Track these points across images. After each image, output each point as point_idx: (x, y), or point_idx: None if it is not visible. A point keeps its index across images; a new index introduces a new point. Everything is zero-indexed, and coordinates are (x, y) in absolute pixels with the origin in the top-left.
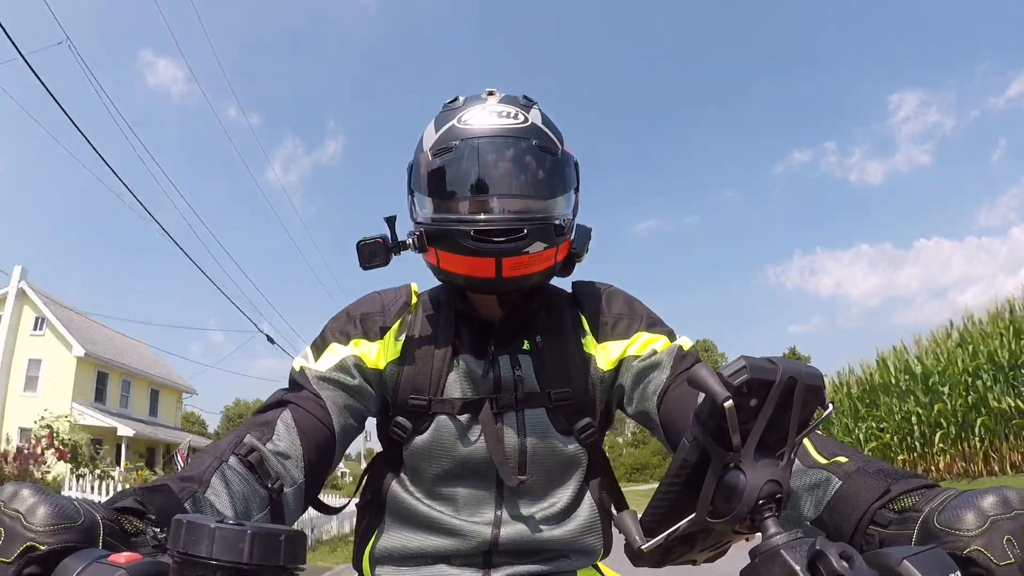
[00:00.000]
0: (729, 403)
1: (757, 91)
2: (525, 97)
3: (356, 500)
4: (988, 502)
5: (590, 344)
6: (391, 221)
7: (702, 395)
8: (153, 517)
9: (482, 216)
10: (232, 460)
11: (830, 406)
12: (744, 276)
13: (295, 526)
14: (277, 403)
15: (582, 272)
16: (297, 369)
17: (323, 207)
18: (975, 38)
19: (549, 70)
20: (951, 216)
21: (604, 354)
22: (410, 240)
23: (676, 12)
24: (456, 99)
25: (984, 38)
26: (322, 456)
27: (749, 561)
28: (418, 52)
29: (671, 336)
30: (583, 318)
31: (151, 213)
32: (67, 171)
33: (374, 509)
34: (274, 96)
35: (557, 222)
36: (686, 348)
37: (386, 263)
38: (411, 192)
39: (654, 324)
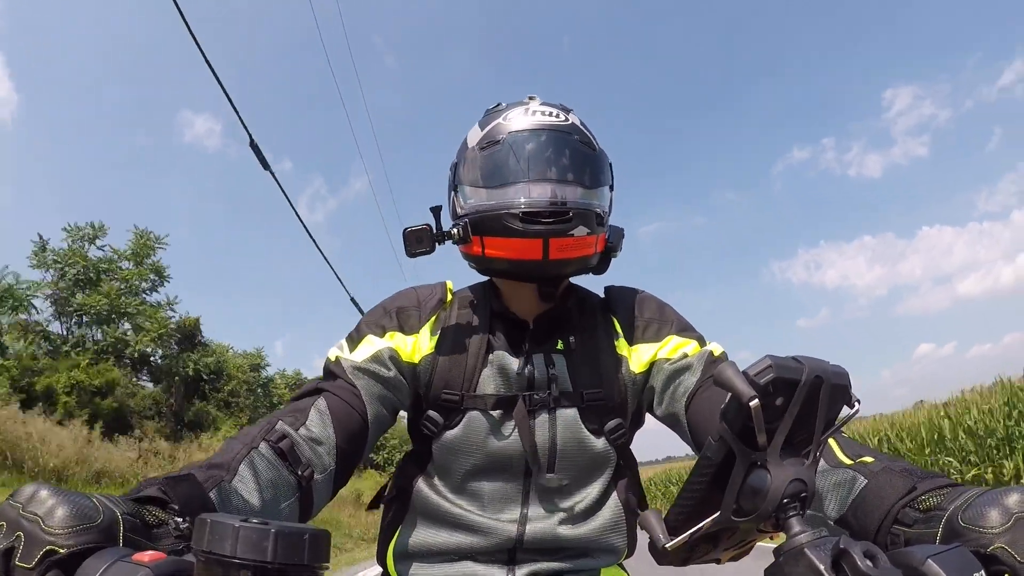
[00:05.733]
0: (755, 402)
1: (754, 93)
2: (562, 105)
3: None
4: (1012, 500)
5: (622, 346)
6: (437, 211)
7: (728, 395)
8: (176, 507)
9: (531, 198)
10: (262, 447)
11: (856, 405)
12: (751, 273)
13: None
14: (312, 391)
15: (609, 276)
16: (332, 359)
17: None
18: (966, 31)
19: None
20: (952, 204)
21: (636, 356)
22: (455, 230)
23: (675, 23)
24: (499, 104)
25: (975, 30)
26: (354, 444)
27: (773, 560)
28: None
29: (701, 341)
30: (615, 321)
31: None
32: None
33: (399, 504)
34: (301, 143)
35: (598, 211)
36: (716, 353)
37: (431, 251)
38: (454, 188)
39: (685, 329)
